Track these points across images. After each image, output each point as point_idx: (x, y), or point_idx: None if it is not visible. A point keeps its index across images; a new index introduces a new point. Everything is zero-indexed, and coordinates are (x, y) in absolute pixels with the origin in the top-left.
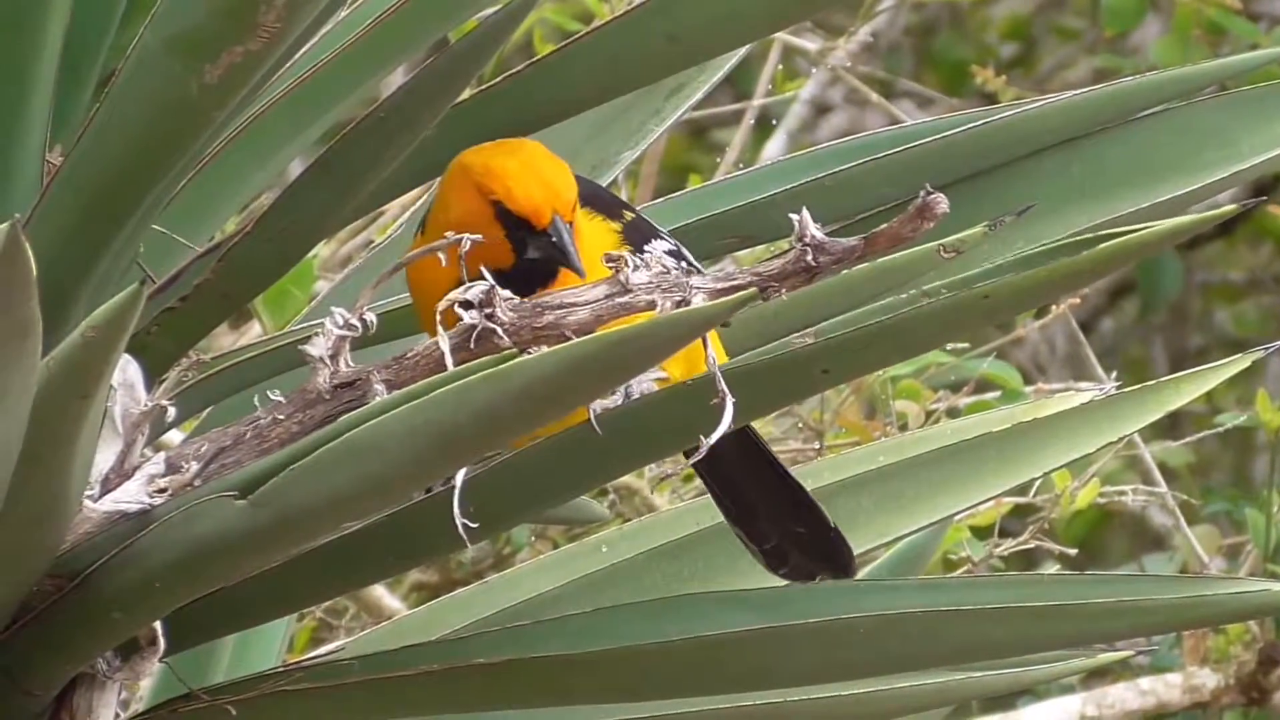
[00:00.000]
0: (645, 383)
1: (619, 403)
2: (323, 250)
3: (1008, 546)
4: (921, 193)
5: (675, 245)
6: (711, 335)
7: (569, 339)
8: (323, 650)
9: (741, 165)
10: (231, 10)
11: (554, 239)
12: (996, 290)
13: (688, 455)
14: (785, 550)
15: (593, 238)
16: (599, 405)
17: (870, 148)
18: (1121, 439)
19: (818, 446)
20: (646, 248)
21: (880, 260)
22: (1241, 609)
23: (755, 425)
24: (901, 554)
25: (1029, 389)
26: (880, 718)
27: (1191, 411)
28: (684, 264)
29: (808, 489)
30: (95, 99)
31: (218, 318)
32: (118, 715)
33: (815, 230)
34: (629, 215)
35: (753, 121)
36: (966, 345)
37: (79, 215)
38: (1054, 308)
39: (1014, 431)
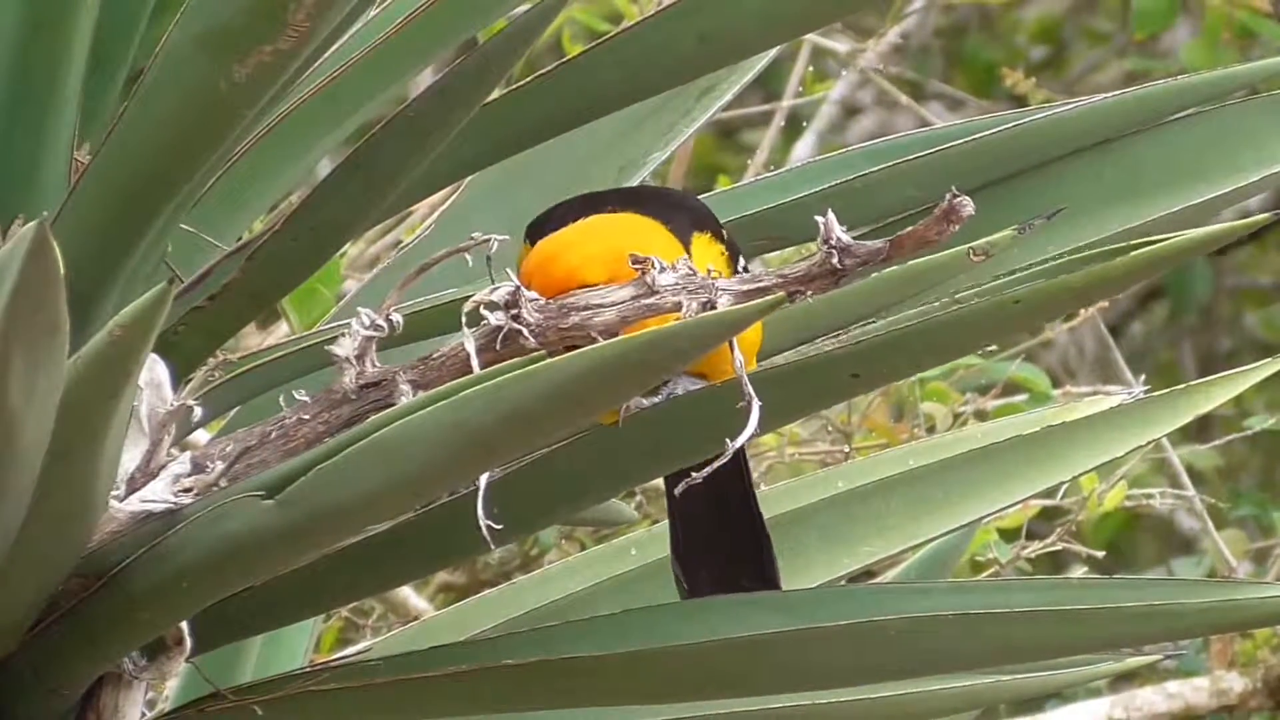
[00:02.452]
0: (685, 384)
1: (658, 401)
2: (350, 250)
3: (1035, 549)
4: (947, 195)
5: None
6: (756, 331)
7: (595, 340)
8: (349, 651)
9: (771, 166)
10: (261, 8)
11: None
12: (1028, 296)
13: (669, 483)
14: (704, 582)
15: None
16: (635, 403)
17: (900, 149)
18: (1150, 442)
19: (846, 449)
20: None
21: (910, 263)
22: (1269, 614)
23: (783, 429)
24: (930, 556)
25: (1057, 392)
26: None
27: (1220, 415)
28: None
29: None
30: (124, 96)
31: (245, 317)
32: (144, 715)
33: (841, 233)
34: (725, 235)
35: (782, 123)
36: (995, 348)
37: (107, 213)
38: (1083, 311)
39: (1043, 435)
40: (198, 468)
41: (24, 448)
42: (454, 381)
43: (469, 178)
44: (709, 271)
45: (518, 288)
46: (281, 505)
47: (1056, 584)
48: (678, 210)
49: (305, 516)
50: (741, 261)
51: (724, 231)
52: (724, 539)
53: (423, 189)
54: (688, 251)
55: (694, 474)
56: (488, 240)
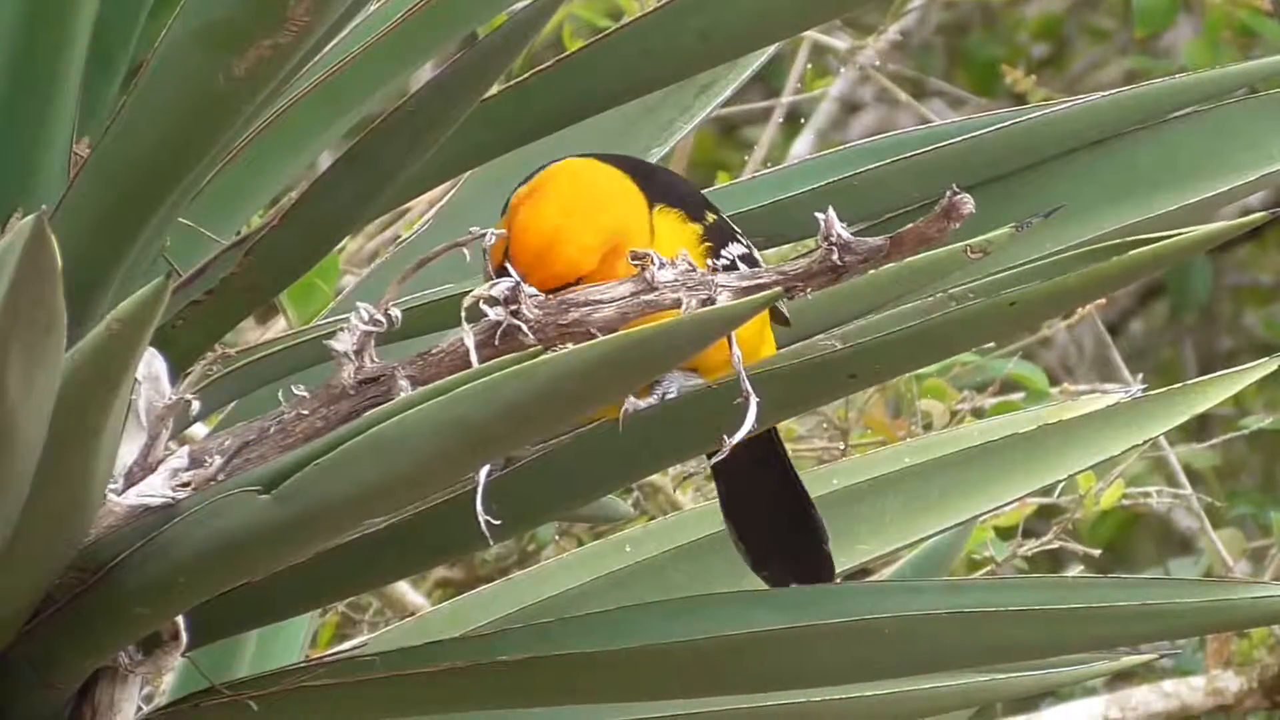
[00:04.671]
0: (684, 381)
1: (654, 402)
2: (349, 245)
3: (1031, 547)
4: (948, 192)
5: (748, 249)
6: (763, 324)
7: (594, 336)
8: (346, 646)
9: (770, 163)
10: (261, 3)
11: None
12: (1024, 297)
13: (710, 456)
14: (770, 555)
15: (671, 236)
16: (633, 404)
17: (899, 147)
18: (1147, 441)
19: (842, 446)
20: (724, 251)
21: (907, 260)
22: (1266, 613)
23: (780, 424)
24: (926, 554)
25: (1055, 390)
26: (904, 718)
27: (1219, 414)
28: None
29: (816, 501)
30: (123, 91)
31: (243, 311)
32: (140, 709)
33: (841, 230)
34: (711, 217)
35: (781, 119)
36: (993, 345)
37: (105, 207)
38: (1081, 309)
39: (1041, 433)
40: (195, 462)
41: (21, 441)
42: (452, 377)
43: (468, 173)
44: (709, 267)
45: (517, 283)
46: (279, 500)
47: (1052, 583)
48: (651, 179)
49: (302, 511)
50: (735, 249)
51: (709, 215)
52: (774, 507)
53: (422, 184)
54: (650, 213)
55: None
56: (486, 235)
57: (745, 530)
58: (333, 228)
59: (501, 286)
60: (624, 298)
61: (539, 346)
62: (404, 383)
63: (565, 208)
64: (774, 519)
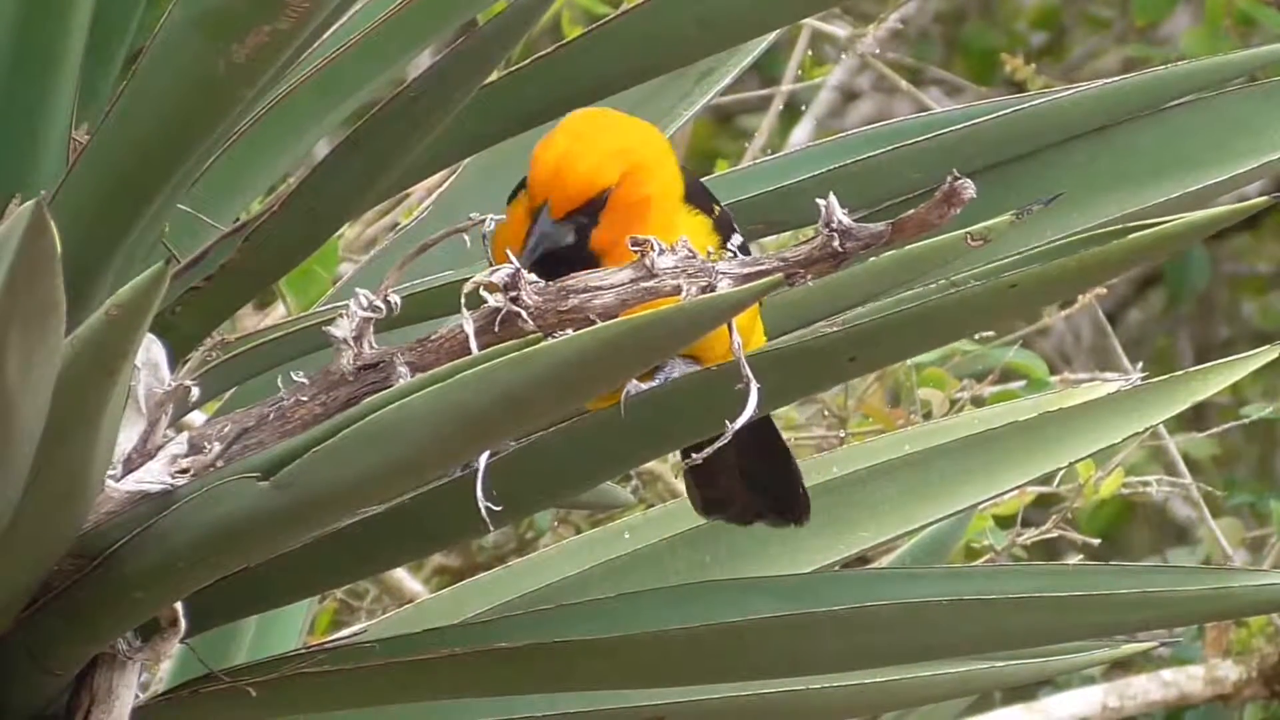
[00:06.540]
0: (681, 367)
1: (656, 384)
2: (348, 232)
3: (1030, 536)
4: (948, 178)
5: (743, 240)
6: (754, 315)
7: (594, 323)
8: (344, 633)
9: (768, 151)
10: None
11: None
12: (1024, 280)
13: (685, 455)
14: (729, 498)
15: (691, 234)
16: (635, 385)
17: (898, 135)
18: (1146, 430)
19: (841, 434)
20: (728, 243)
21: (907, 247)
22: (1264, 602)
23: (780, 411)
24: (925, 542)
25: (1054, 379)
26: (902, 706)
27: (1217, 403)
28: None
29: (816, 489)
30: (122, 77)
31: (242, 298)
32: (138, 695)
33: (842, 216)
34: (717, 209)
35: (780, 107)
36: (992, 334)
37: (104, 193)
38: (1080, 298)
39: (1039, 421)
40: (194, 448)
41: (20, 427)
42: (452, 363)
43: (466, 160)
44: (709, 254)
45: (517, 270)
46: (277, 487)
47: (1051, 571)
48: None
49: (301, 498)
50: (737, 239)
51: (715, 206)
52: (748, 459)
53: (420, 171)
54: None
55: (694, 455)
56: (485, 220)
57: (707, 475)
58: (332, 214)
59: (501, 273)
60: (624, 284)
61: (538, 333)
62: (403, 369)
63: (579, 131)
64: (748, 464)
